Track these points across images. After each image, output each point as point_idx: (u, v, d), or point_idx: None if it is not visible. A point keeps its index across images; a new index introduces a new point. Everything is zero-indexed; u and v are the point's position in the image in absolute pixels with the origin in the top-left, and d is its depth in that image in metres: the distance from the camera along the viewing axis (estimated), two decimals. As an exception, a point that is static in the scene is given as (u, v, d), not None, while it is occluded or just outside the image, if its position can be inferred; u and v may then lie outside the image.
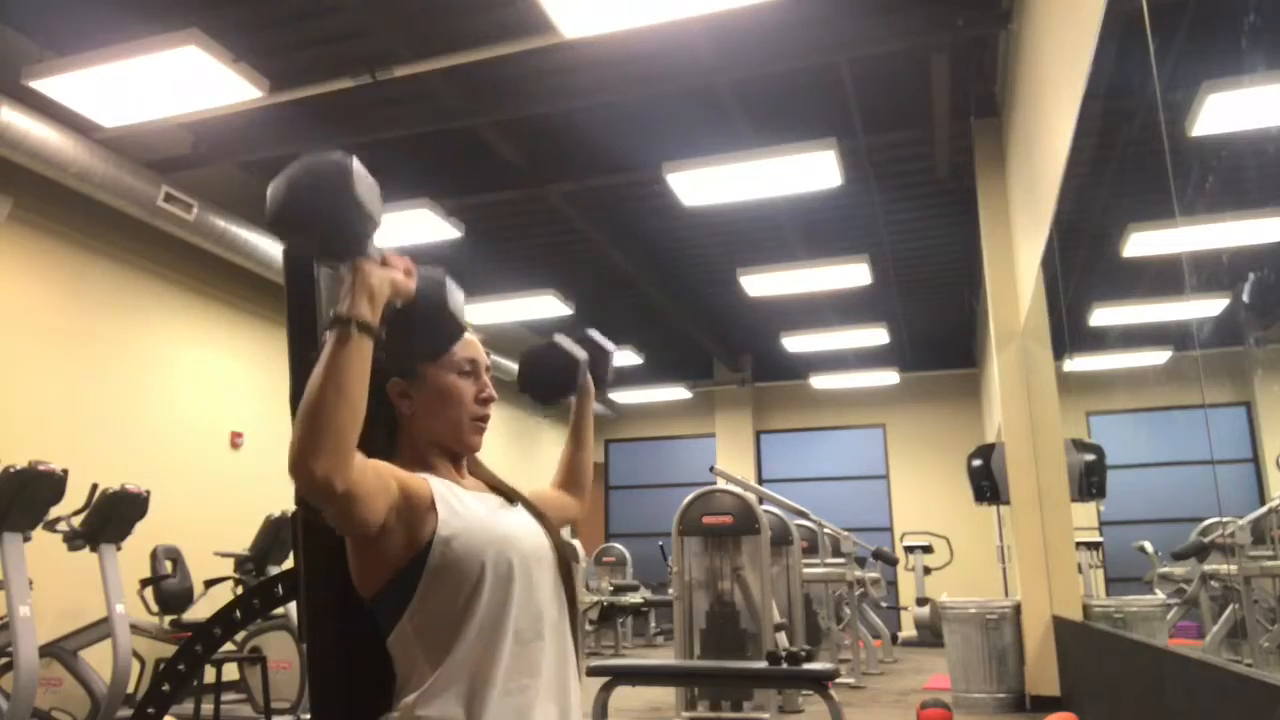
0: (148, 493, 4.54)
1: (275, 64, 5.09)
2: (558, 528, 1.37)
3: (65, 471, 4.02)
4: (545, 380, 1.56)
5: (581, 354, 1.58)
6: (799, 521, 6.78)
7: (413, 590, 1.17)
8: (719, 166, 5.44)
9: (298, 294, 1.34)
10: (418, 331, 1.24)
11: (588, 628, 9.13)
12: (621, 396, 12.40)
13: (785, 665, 2.77)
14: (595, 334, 1.71)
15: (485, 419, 1.35)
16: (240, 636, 5.25)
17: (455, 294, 1.25)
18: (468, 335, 1.34)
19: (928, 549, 10.58)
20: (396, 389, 1.30)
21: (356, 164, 1.09)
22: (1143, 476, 6.36)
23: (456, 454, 1.34)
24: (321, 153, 1.09)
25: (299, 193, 1.07)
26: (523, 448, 11.51)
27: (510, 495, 1.37)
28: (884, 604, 9.92)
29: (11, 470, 3.88)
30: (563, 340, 1.57)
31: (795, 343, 9.79)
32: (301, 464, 1.03)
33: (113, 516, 4.42)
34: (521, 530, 1.29)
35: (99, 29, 4.87)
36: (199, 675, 4.30)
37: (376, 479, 1.12)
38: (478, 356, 1.35)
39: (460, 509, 1.23)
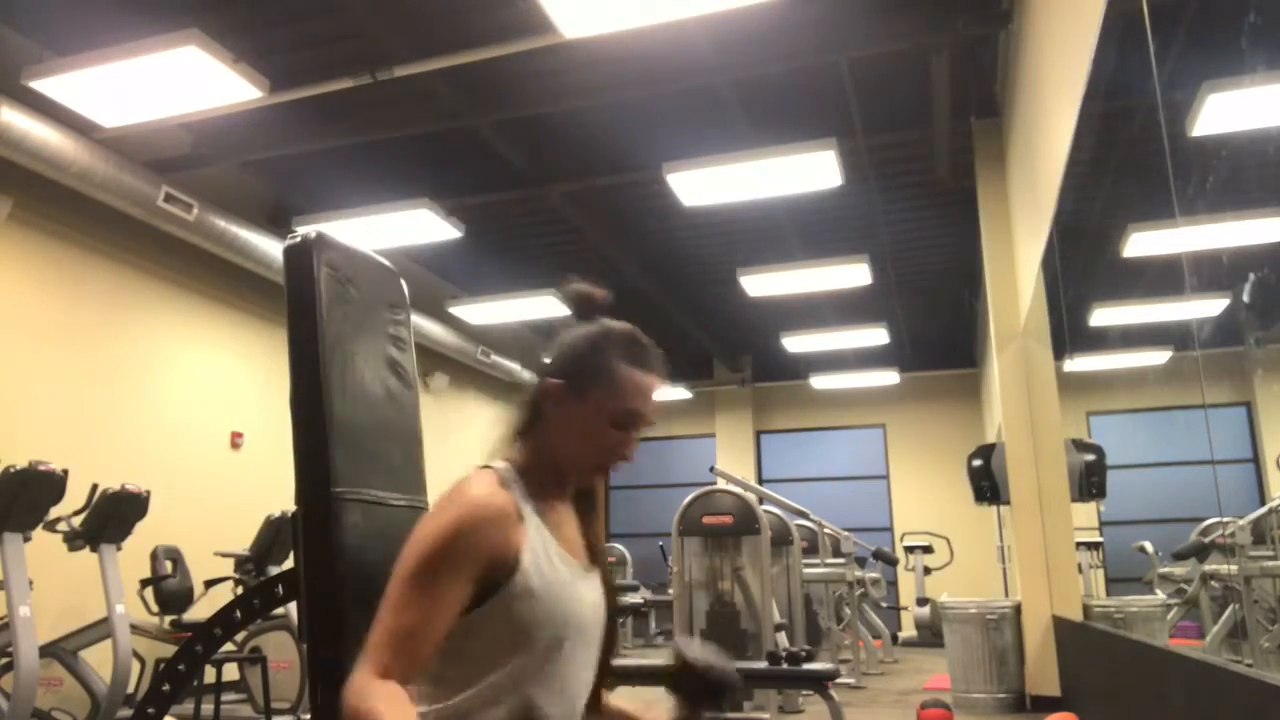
0: (148, 493, 4.54)
1: (275, 64, 5.09)
2: (619, 595, 1.35)
3: (65, 471, 4.02)
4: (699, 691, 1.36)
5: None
6: (799, 521, 6.79)
7: (471, 609, 1.16)
8: (719, 166, 5.44)
9: (298, 294, 1.34)
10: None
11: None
12: (621, 396, 12.38)
13: (785, 665, 2.77)
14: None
15: (608, 471, 1.29)
16: (240, 636, 5.25)
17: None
18: (654, 383, 1.28)
19: (928, 549, 10.58)
20: (553, 390, 1.25)
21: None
22: (1143, 476, 6.35)
23: (564, 479, 1.30)
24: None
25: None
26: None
27: (593, 555, 1.32)
28: (884, 604, 9.92)
29: (11, 470, 3.89)
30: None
31: (795, 343, 9.79)
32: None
33: (113, 516, 4.42)
34: (588, 607, 1.26)
35: (99, 29, 4.87)
36: (199, 675, 4.30)
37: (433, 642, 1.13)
38: (645, 411, 1.27)
39: (545, 570, 1.19)
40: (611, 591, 1.32)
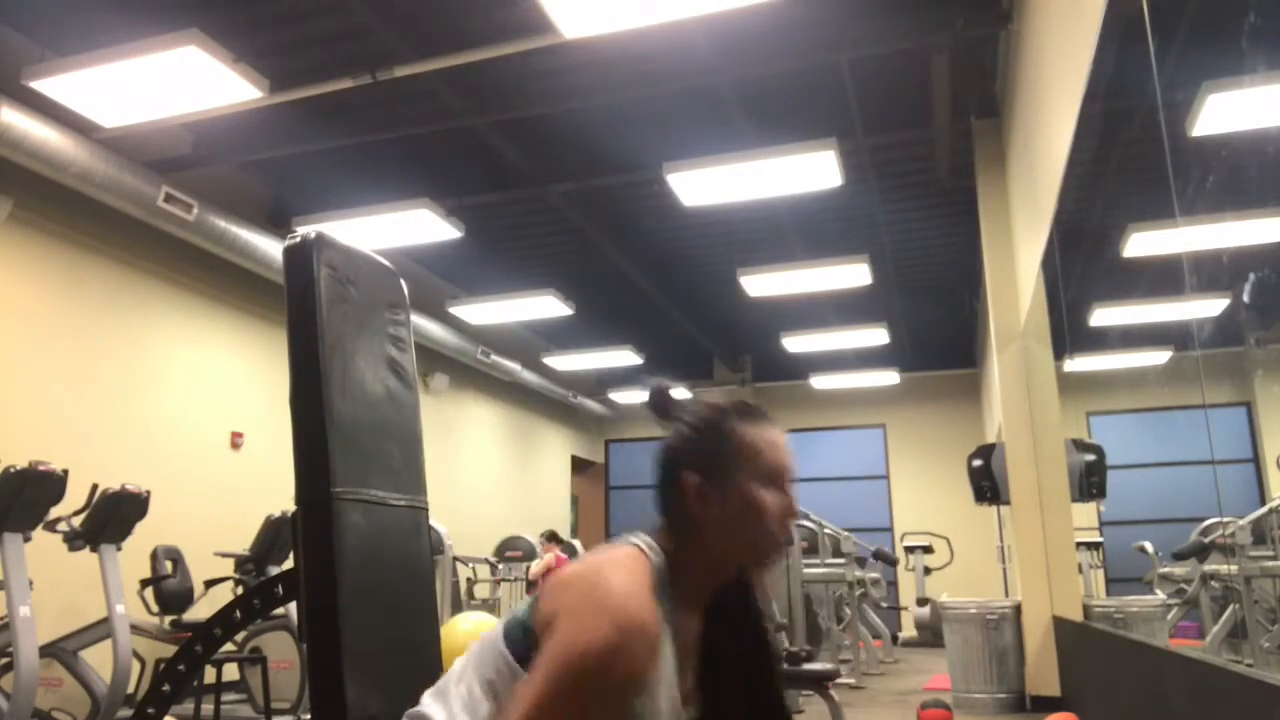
0: (148, 493, 4.54)
1: (275, 64, 5.09)
2: None
3: (65, 472, 4.02)
4: None
5: None
6: (799, 522, 6.78)
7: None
8: (719, 166, 5.43)
9: (298, 294, 1.34)
10: None
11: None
12: (621, 396, 12.39)
13: (786, 665, 2.77)
14: None
15: (785, 542, 1.16)
16: (240, 636, 5.25)
17: None
18: (781, 436, 1.19)
19: (928, 549, 10.58)
20: (694, 487, 1.12)
21: None
22: (1143, 476, 6.36)
23: (727, 575, 1.17)
24: None
25: None
26: (523, 448, 11.51)
27: (686, 697, 1.15)
28: (884, 604, 9.91)
29: (12, 470, 3.88)
30: None
31: (795, 343, 9.79)
32: None
33: (113, 516, 4.41)
34: None
35: (99, 29, 4.87)
36: (199, 675, 4.30)
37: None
38: (791, 465, 1.18)
39: (654, 703, 1.06)
40: None
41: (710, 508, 1.11)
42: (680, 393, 1.24)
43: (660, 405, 1.22)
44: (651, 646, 1.00)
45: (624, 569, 1.03)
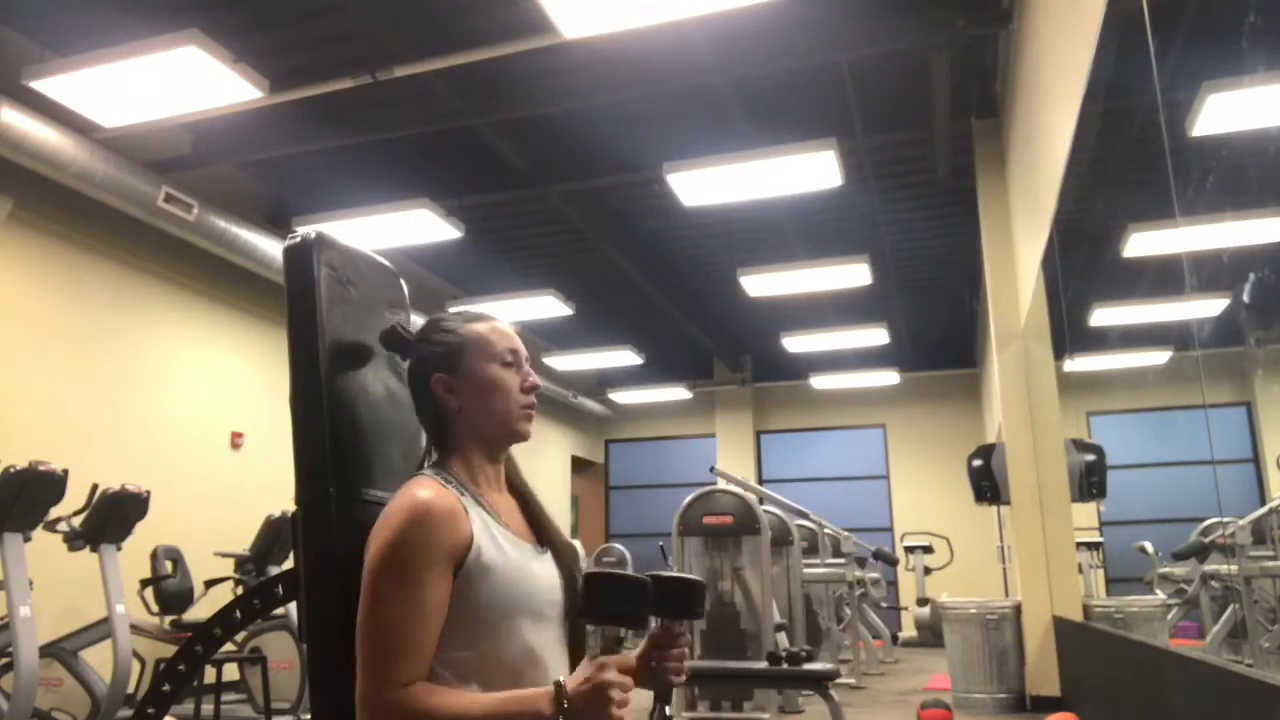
0: (148, 493, 4.54)
1: (275, 64, 5.09)
2: (578, 569, 1.36)
3: (65, 471, 4.02)
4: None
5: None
6: (799, 522, 6.78)
7: None
8: (719, 166, 5.44)
9: (298, 294, 1.34)
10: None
11: (588, 628, 9.11)
12: (621, 396, 12.40)
13: (785, 665, 2.77)
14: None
15: (533, 406, 1.37)
16: (240, 637, 5.25)
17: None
18: (504, 325, 1.39)
19: (928, 549, 10.58)
20: (441, 384, 1.33)
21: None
22: (1143, 476, 6.35)
23: (499, 451, 1.37)
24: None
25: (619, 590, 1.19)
26: (523, 448, 11.48)
27: (542, 535, 1.37)
28: (884, 604, 9.92)
29: (12, 470, 3.88)
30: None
31: (795, 343, 9.79)
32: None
33: (113, 516, 4.41)
34: (544, 585, 1.30)
35: (99, 29, 4.87)
36: (199, 675, 4.30)
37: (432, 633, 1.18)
38: (517, 346, 1.38)
39: (495, 554, 1.24)
40: (568, 568, 1.35)
41: (457, 396, 1.32)
42: (414, 324, 1.42)
43: (396, 343, 1.39)
44: (448, 512, 1.20)
45: (406, 492, 1.23)
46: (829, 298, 9.07)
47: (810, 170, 5.48)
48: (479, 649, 1.21)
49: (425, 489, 1.23)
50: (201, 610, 5.38)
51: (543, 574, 1.30)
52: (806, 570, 6.94)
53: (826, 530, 7.59)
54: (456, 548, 1.20)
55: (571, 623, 1.34)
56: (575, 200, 7.13)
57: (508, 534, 1.29)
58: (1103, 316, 4.69)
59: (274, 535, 5.43)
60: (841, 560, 7.36)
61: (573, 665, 1.31)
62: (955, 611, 5.64)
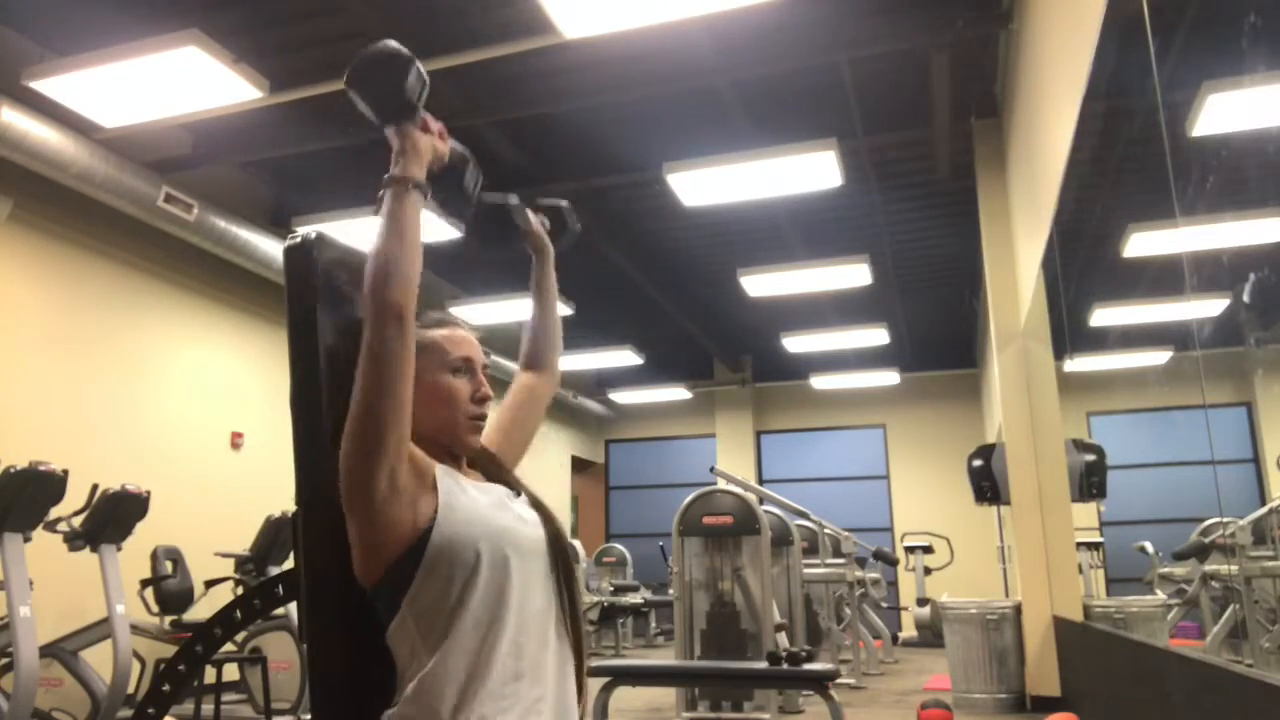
0: (148, 493, 4.54)
1: (275, 64, 5.09)
2: (559, 523, 1.37)
3: (65, 472, 4.02)
4: (492, 232, 1.65)
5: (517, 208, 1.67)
6: (799, 522, 6.78)
7: (411, 577, 1.18)
8: (719, 166, 5.44)
9: (298, 294, 1.34)
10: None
11: (588, 628, 9.13)
12: (621, 396, 12.39)
13: (785, 666, 2.77)
14: (552, 202, 1.82)
15: (482, 418, 1.35)
16: (240, 637, 5.25)
17: (475, 171, 1.53)
18: (463, 332, 1.38)
19: (928, 549, 10.58)
20: None
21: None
22: (1143, 476, 6.36)
23: (453, 454, 1.34)
24: (387, 44, 1.27)
25: (369, 62, 1.27)
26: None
27: (514, 486, 1.37)
28: (884, 604, 9.92)
29: (12, 470, 3.88)
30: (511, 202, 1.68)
31: (795, 343, 9.79)
32: (378, 291, 1.18)
33: (113, 517, 4.41)
34: (521, 524, 1.29)
35: (99, 29, 4.87)
36: (199, 676, 4.30)
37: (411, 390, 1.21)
38: (473, 355, 1.36)
39: (461, 496, 1.24)
40: (548, 514, 1.35)
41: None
42: None
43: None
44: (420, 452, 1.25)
45: None
46: (829, 298, 9.07)
47: (810, 170, 5.48)
48: (470, 608, 1.18)
49: None
50: (201, 610, 5.38)
51: (522, 514, 1.31)
52: (806, 570, 6.94)
53: (826, 530, 7.59)
54: (417, 459, 1.23)
55: (562, 573, 1.32)
56: (575, 200, 7.06)
57: (471, 484, 1.30)
58: (1103, 316, 4.69)
59: (274, 535, 5.43)
60: (841, 560, 7.36)
61: (567, 619, 1.30)
62: (955, 611, 5.64)
